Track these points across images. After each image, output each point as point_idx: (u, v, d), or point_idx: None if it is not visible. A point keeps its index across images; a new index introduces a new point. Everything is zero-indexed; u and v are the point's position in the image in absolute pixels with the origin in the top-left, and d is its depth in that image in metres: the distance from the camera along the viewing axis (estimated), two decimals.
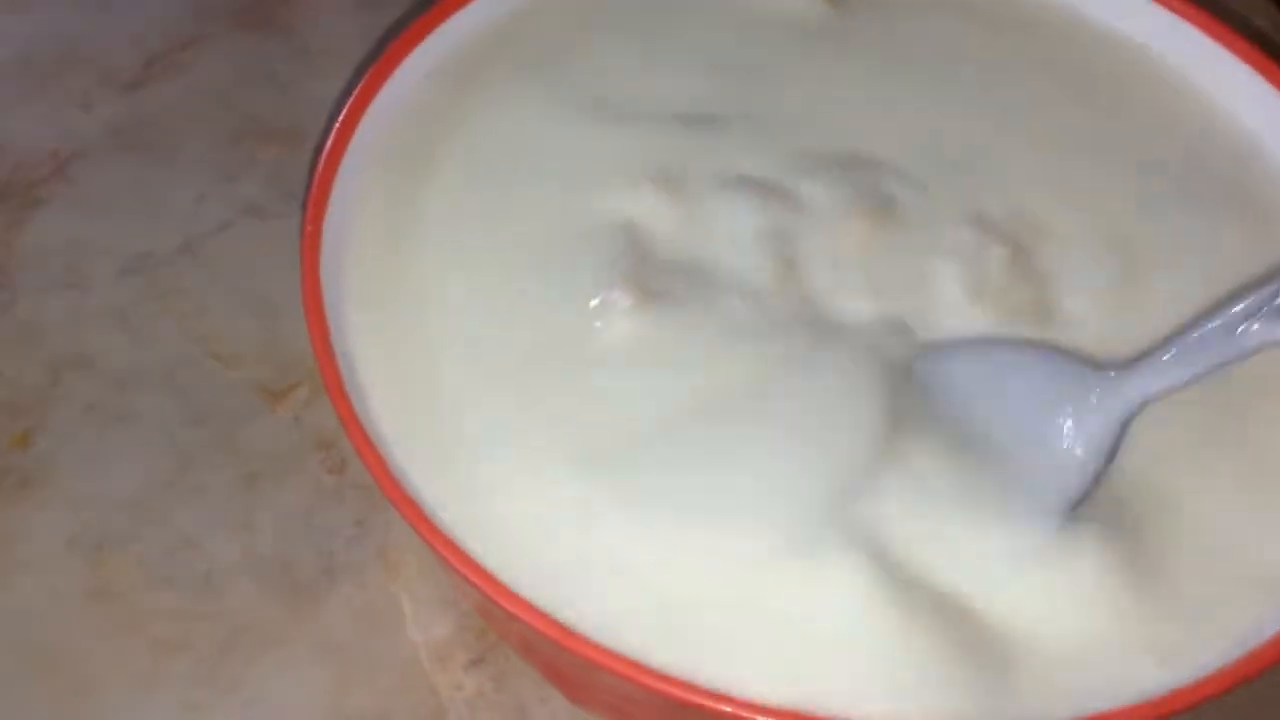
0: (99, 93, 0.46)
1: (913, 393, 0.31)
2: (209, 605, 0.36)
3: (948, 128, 0.36)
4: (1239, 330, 0.30)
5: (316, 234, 0.32)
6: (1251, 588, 0.30)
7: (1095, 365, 0.32)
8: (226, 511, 0.38)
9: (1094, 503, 0.31)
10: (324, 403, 0.40)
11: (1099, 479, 0.31)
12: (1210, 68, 0.38)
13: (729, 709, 0.27)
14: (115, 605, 0.36)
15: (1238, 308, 0.30)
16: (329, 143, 0.34)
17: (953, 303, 0.33)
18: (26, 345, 0.40)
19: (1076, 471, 0.31)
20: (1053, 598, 0.29)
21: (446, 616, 0.37)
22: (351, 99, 0.34)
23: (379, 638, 0.36)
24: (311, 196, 0.33)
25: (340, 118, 0.34)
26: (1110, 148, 0.37)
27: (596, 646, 0.27)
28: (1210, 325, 0.30)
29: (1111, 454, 0.31)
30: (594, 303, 0.32)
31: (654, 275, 0.33)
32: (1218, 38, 0.38)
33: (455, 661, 0.36)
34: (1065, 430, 0.31)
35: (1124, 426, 0.31)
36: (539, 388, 0.31)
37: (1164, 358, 0.31)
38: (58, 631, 0.35)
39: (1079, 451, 0.31)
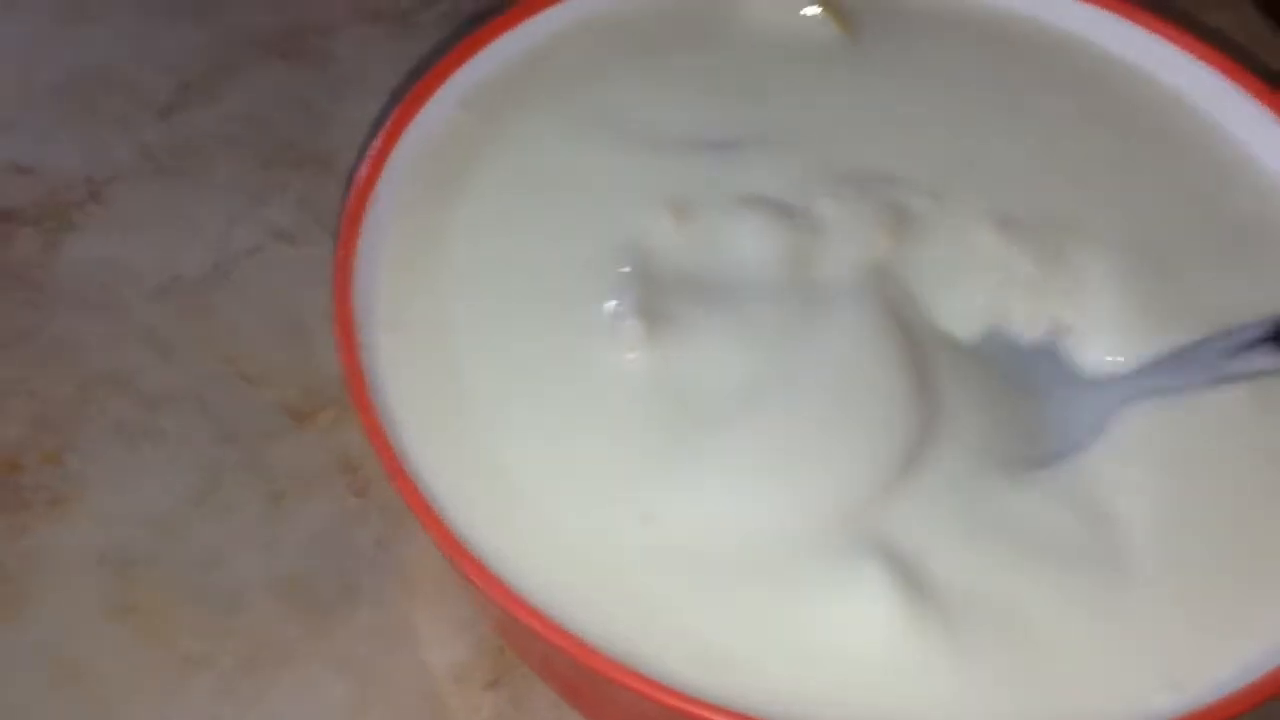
0: (135, 118, 0.47)
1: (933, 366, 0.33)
2: (233, 622, 0.37)
3: (962, 143, 0.37)
4: (1229, 357, 0.33)
5: (349, 256, 0.33)
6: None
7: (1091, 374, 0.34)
8: (252, 530, 0.38)
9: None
10: (350, 425, 0.41)
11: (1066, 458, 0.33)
12: (1205, 90, 0.39)
13: None
14: (142, 621, 0.37)
15: (1229, 338, 0.33)
16: (363, 170, 0.34)
17: (978, 300, 0.34)
18: (60, 363, 0.41)
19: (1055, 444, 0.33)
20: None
21: (465, 638, 0.37)
22: (385, 128, 0.35)
23: (398, 657, 0.37)
24: (345, 220, 0.33)
25: (374, 146, 0.35)
26: (1125, 166, 0.38)
27: (616, 664, 0.27)
28: (1202, 347, 0.33)
29: (1084, 443, 0.33)
30: (608, 331, 0.33)
31: (666, 300, 0.33)
32: (1209, 60, 0.39)
33: (473, 682, 0.37)
34: (1055, 411, 0.33)
35: (1103, 422, 0.33)
36: (557, 410, 0.32)
37: (1148, 378, 0.33)
38: (85, 646, 0.36)
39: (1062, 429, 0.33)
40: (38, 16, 0.50)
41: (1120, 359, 0.34)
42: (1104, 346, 0.34)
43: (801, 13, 0.40)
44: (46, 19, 0.50)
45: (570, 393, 0.32)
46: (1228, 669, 0.29)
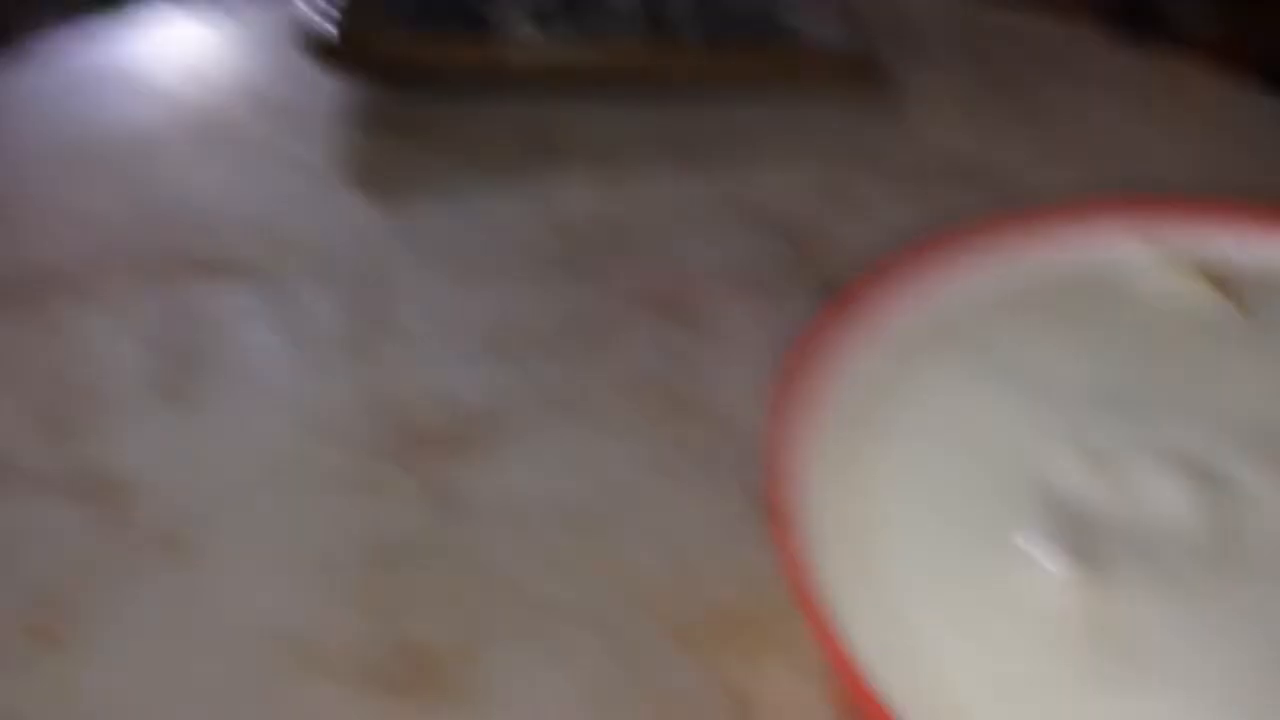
0: (532, 363, 0.52)
1: None
2: None
3: None
4: None
5: (780, 473, 0.35)
6: None
7: None
8: None
9: None
10: (733, 651, 0.42)
11: None
12: None
13: None
14: None
15: None
16: (784, 402, 0.37)
17: None
18: (470, 571, 0.44)
19: None
20: None
21: None
22: (801, 367, 0.38)
23: None
24: (771, 441, 0.36)
25: (790, 382, 0.38)
26: None
27: None
28: None
29: None
30: (1034, 565, 0.34)
31: (1089, 540, 0.34)
32: None
33: None
34: None
35: None
36: (992, 634, 0.33)
37: None
38: None
39: None
40: (439, 280, 0.56)
41: None
42: None
43: (1194, 289, 0.42)
44: (447, 285, 0.55)
45: (1000, 618, 0.33)
46: None
